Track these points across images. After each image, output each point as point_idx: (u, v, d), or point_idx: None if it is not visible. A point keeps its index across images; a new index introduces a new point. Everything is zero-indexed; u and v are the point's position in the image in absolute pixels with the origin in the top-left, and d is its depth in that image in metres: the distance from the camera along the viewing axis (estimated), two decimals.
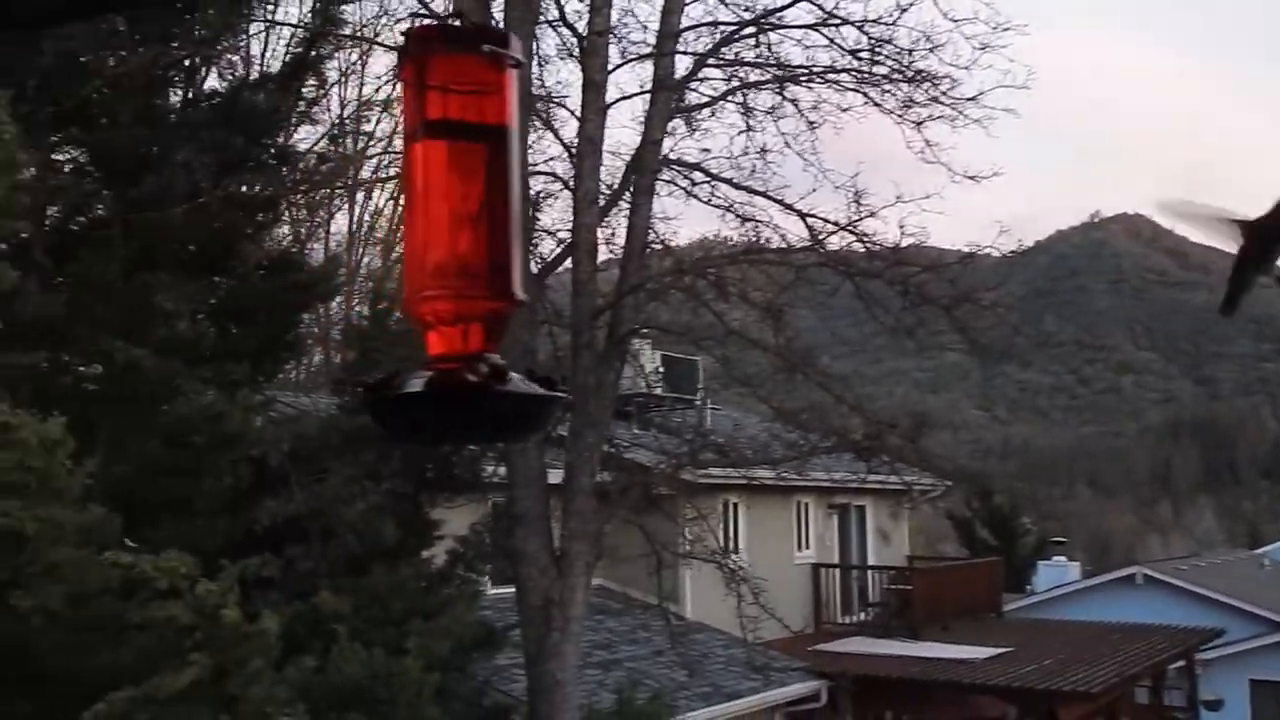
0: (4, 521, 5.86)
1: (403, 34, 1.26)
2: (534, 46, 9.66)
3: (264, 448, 7.65)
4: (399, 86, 1.36)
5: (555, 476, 9.72)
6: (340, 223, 20.02)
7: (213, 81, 10.01)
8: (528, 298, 1.44)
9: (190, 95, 9.72)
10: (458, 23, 1.31)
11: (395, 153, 18.96)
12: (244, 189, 9.27)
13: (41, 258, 7.93)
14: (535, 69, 9.85)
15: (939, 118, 9.72)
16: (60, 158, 9.02)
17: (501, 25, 8.53)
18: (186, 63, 9.35)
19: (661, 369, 14.89)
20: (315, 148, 13.21)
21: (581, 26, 9.63)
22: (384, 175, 18.34)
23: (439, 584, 8.83)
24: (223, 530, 7.68)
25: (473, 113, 1.31)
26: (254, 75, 11.47)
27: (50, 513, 6.04)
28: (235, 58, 11.09)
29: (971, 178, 9.62)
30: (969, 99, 9.53)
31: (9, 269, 6.84)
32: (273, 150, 9.69)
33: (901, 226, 9.65)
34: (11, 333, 7.18)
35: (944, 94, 9.63)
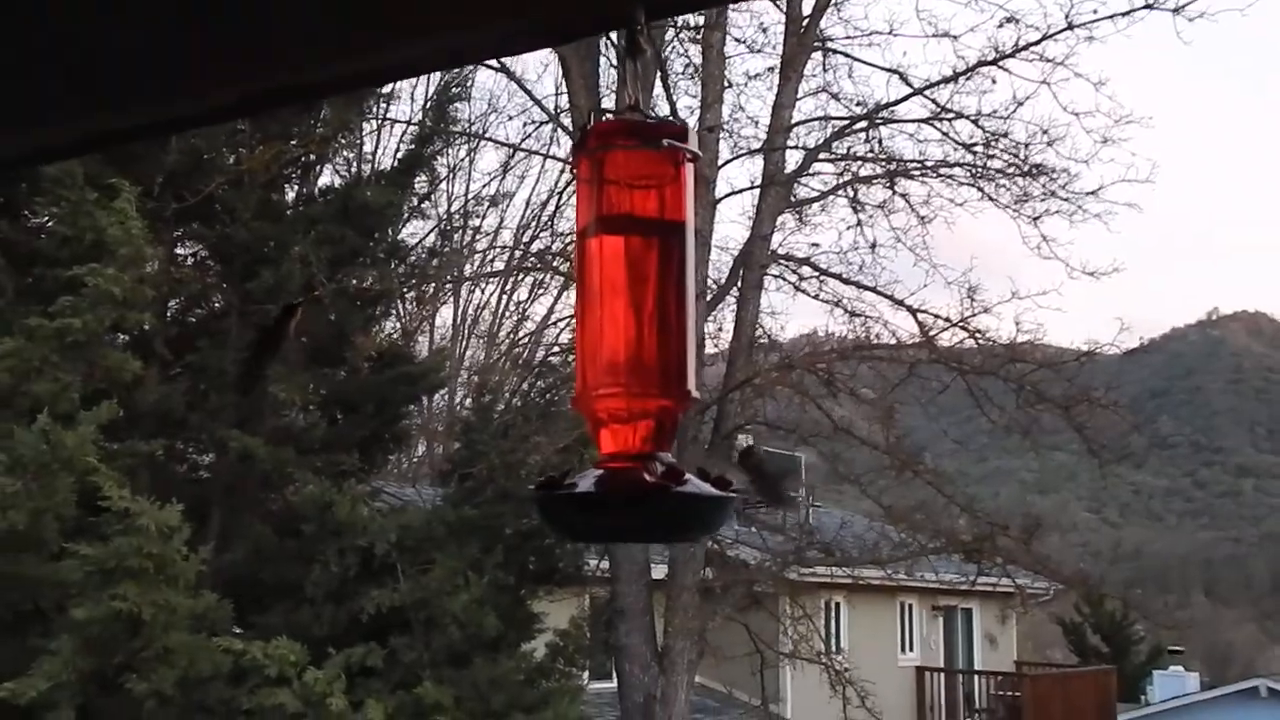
0: (121, 606, 5.95)
1: (580, 128, 1.23)
2: None
3: (371, 537, 7.70)
4: (571, 183, 1.33)
5: (658, 571, 9.57)
6: (445, 315, 20.42)
7: (327, 177, 10.34)
8: (700, 396, 1.38)
9: (306, 191, 10.05)
10: (636, 116, 1.27)
11: (502, 247, 19.35)
12: (356, 283, 9.50)
13: (162, 349, 8.19)
14: None
15: (1056, 212, 9.51)
16: (182, 251, 9.38)
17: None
18: (303, 159, 9.68)
19: None
20: (425, 242, 13.54)
21: (692, 122, 9.73)
22: (489, 270, 18.69)
23: (539, 678, 8.69)
24: (329, 618, 7.72)
25: (650, 208, 1.27)
26: (367, 171, 11.84)
27: (165, 598, 6.13)
28: (350, 154, 11.48)
29: (1091, 274, 9.35)
30: (1088, 193, 9.32)
31: (132, 359, 7.07)
32: (385, 245, 9.94)
33: (1017, 323, 9.41)
34: (132, 421, 7.38)
35: (1061, 188, 9.44)
